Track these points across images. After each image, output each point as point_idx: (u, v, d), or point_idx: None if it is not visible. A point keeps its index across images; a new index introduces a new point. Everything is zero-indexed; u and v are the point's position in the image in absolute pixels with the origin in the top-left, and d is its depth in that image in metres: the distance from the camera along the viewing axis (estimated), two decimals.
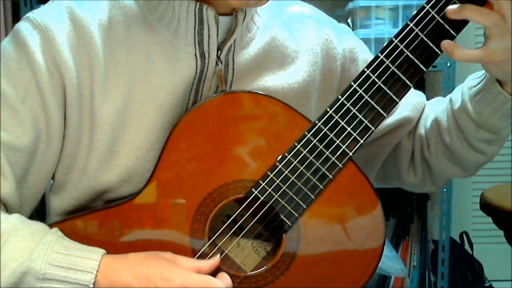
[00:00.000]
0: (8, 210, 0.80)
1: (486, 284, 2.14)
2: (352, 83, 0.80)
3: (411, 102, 0.97)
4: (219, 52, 0.85)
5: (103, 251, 0.76)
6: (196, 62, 0.84)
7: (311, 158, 0.80)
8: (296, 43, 0.92)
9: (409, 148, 0.99)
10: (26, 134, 0.79)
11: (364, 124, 0.80)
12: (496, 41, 0.76)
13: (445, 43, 0.77)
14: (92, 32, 0.81)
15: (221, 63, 0.85)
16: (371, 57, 0.98)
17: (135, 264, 0.75)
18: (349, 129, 0.80)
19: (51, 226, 0.80)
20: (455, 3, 0.77)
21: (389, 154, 1.00)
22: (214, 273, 0.78)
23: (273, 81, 0.89)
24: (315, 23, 0.95)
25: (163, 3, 0.83)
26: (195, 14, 0.82)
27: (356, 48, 0.97)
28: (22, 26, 0.81)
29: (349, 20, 2.05)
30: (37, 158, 0.82)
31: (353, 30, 1.99)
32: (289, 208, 0.80)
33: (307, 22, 0.95)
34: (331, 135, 0.80)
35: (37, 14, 0.82)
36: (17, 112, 0.79)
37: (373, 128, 0.80)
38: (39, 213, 0.90)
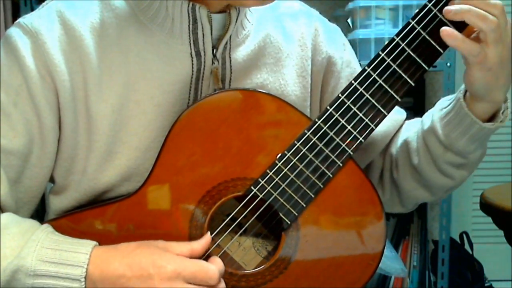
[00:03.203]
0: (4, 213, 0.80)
1: (486, 284, 2.14)
2: (352, 81, 0.80)
3: (385, 121, 0.86)
4: (214, 50, 0.85)
5: (94, 243, 0.76)
6: (192, 61, 0.84)
7: (310, 156, 0.80)
8: (289, 38, 0.93)
9: (379, 165, 0.98)
10: (18, 138, 0.80)
11: (364, 122, 0.80)
12: (490, 47, 0.75)
13: (447, 29, 0.75)
14: (83, 35, 0.82)
15: (218, 61, 0.85)
16: (354, 60, 1.00)
17: (126, 253, 0.75)
18: (349, 127, 0.80)
19: (44, 223, 0.80)
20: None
21: None
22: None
23: (271, 77, 0.90)
24: (305, 18, 0.96)
25: (155, 3, 0.83)
26: (188, 14, 0.82)
27: (341, 49, 0.98)
28: (13, 31, 0.82)
29: (349, 20, 2.05)
30: (31, 162, 0.82)
31: (353, 30, 1.99)
32: (288, 206, 0.80)
33: (298, 16, 0.95)
34: (331, 133, 0.80)
35: (28, 19, 0.83)
36: (9, 116, 0.80)
37: (373, 126, 0.80)
38: (39, 213, 0.90)
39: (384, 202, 0.97)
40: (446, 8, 0.76)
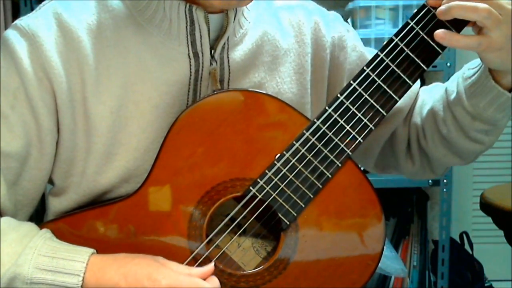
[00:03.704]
0: (2, 215, 0.80)
1: (486, 284, 2.13)
2: (351, 82, 0.80)
3: None
4: (212, 51, 0.85)
5: (92, 250, 0.76)
6: (190, 62, 0.84)
7: (309, 156, 0.80)
8: (287, 35, 0.92)
9: (404, 136, 0.98)
10: (16, 140, 0.80)
11: (363, 122, 0.80)
12: (493, 31, 0.75)
13: (439, 32, 0.75)
14: (80, 36, 0.81)
15: (216, 62, 0.85)
16: (359, 43, 0.98)
17: (124, 263, 0.75)
18: (348, 127, 0.80)
19: (43, 226, 0.80)
20: None
21: (385, 143, 0.99)
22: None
23: (268, 76, 0.89)
24: (303, 12, 0.95)
25: (152, 4, 0.83)
26: (185, 15, 0.82)
27: (345, 36, 0.97)
28: (10, 33, 0.82)
29: (349, 20, 2.05)
30: (30, 165, 0.82)
31: None
32: (287, 206, 0.80)
33: (296, 12, 0.94)
34: (330, 134, 0.80)
35: (25, 21, 0.82)
36: (7, 118, 0.80)
37: (372, 127, 0.80)
38: (38, 213, 0.90)
39: (414, 172, 0.99)
40: (438, 9, 0.76)
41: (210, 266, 0.78)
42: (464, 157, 0.95)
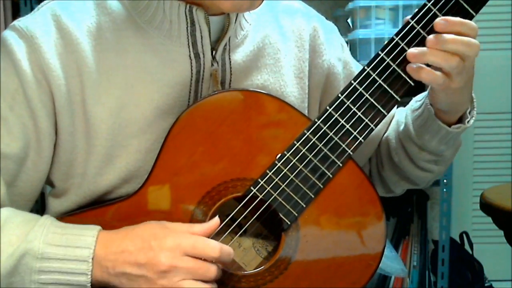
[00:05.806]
0: None
1: (486, 284, 2.14)
2: (352, 81, 0.80)
3: None
4: (213, 52, 0.84)
5: (99, 227, 0.77)
6: (191, 63, 0.84)
7: (310, 156, 0.80)
8: (287, 39, 0.93)
9: (367, 165, 1.02)
10: (14, 142, 0.80)
11: (364, 122, 0.80)
12: (456, 75, 0.77)
13: (410, 66, 0.77)
14: (79, 38, 0.81)
15: (217, 63, 0.85)
16: (352, 59, 1.01)
17: (129, 230, 0.76)
18: (348, 127, 0.80)
19: None
20: (457, 2, 0.77)
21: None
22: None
23: (272, 78, 0.90)
24: (304, 18, 0.96)
25: (151, 5, 0.82)
26: (186, 16, 0.82)
27: (339, 51, 0.98)
28: (8, 35, 0.81)
29: (349, 20, 2.05)
30: (27, 166, 0.82)
31: (353, 30, 1.99)
32: (288, 206, 0.80)
33: (296, 17, 0.95)
34: (331, 133, 0.80)
35: (23, 22, 0.82)
36: (5, 120, 0.80)
37: (372, 126, 0.80)
38: (39, 213, 0.90)
39: None
40: (408, 52, 0.76)
41: (215, 221, 0.78)
42: (417, 183, 0.99)
